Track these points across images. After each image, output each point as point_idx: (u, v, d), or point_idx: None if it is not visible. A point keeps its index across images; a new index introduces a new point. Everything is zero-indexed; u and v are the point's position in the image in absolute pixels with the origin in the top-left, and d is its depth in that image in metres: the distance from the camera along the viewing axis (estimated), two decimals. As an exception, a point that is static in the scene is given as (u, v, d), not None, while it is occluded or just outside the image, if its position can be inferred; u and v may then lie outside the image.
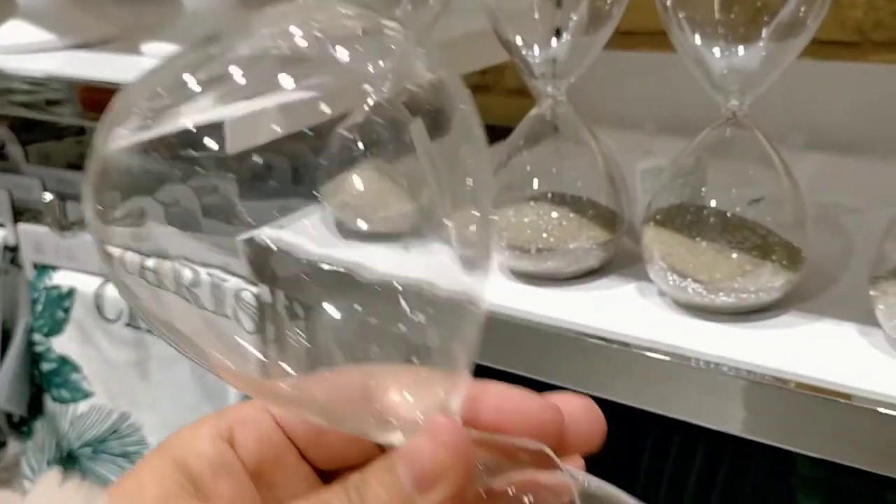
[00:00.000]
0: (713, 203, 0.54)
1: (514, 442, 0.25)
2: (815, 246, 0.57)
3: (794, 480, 0.63)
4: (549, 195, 0.60)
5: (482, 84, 1.13)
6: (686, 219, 0.54)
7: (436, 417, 0.24)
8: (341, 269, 0.27)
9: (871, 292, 0.50)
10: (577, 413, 0.27)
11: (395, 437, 0.25)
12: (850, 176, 0.74)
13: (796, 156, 0.71)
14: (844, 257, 0.60)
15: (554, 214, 0.59)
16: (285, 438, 0.27)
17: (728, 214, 0.54)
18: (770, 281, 0.52)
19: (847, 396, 0.47)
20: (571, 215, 0.59)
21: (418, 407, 0.24)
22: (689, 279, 0.53)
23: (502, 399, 0.26)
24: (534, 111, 0.60)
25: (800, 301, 0.54)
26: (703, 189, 0.54)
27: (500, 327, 0.57)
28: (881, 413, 0.46)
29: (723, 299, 0.53)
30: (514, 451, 0.25)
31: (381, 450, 0.26)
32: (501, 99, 1.11)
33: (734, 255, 0.53)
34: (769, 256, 0.53)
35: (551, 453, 0.25)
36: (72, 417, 0.86)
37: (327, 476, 0.27)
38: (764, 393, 0.49)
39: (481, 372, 0.28)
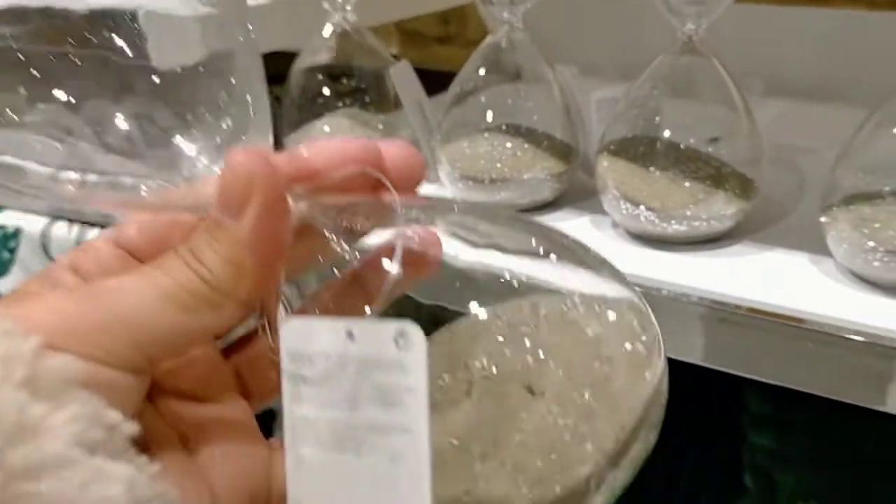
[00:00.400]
0: (667, 133, 0.53)
1: (336, 176, 0.26)
2: (770, 181, 0.56)
3: (744, 418, 0.63)
4: (504, 126, 0.59)
5: (446, 35, 1.12)
6: (640, 149, 0.54)
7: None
8: None
9: (823, 219, 0.49)
10: (395, 152, 0.27)
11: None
12: (809, 120, 0.74)
13: (757, 101, 0.71)
14: (798, 192, 0.60)
15: (508, 145, 0.58)
16: (127, 256, 0.27)
17: (681, 145, 0.53)
18: (722, 209, 0.52)
19: (800, 321, 0.47)
20: (526, 146, 0.58)
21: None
22: (642, 207, 0.52)
23: (319, 147, 0.26)
24: (489, 39, 0.59)
25: (752, 231, 0.54)
26: (658, 118, 0.54)
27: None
28: (832, 336, 0.46)
29: (675, 227, 0.52)
30: (341, 188, 0.26)
31: None
32: (465, 50, 1.10)
33: (687, 184, 0.52)
34: (722, 185, 0.52)
35: (377, 173, 0.26)
36: (18, 361, 0.84)
37: None
38: (717, 319, 0.49)
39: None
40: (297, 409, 0.24)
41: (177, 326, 0.23)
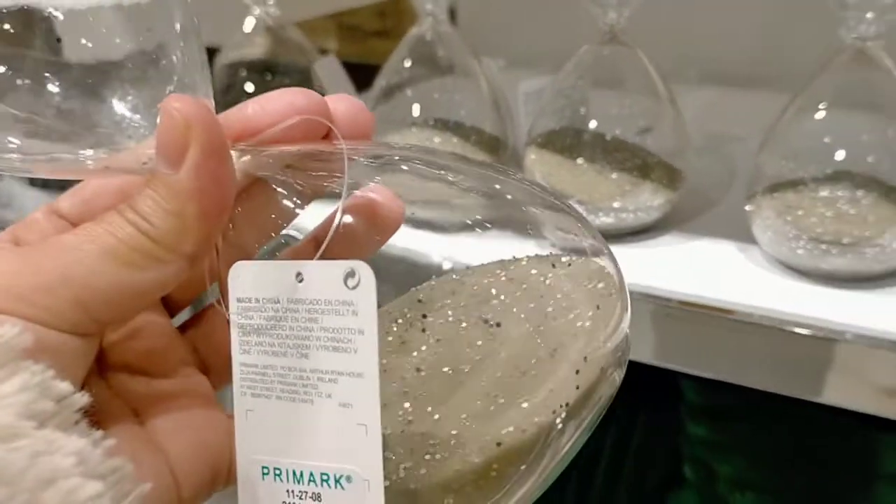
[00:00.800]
0: (593, 124, 0.53)
1: (281, 127, 0.24)
2: (700, 170, 0.56)
3: (682, 410, 0.63)
4: (432, 121, 0.58)
5: (383, 29, 1.10)
6: (566, 141, 0.53)
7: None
8: None
9: (747, 208, 0.49)
10: (343, 106, 0.26)
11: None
12: (741, 107, 0.74)
13: (689, 89, 0.71)
14: (726, 182, 0.60)
15: (437, 140, 0.57)
16: (67, 224, 0.26)
17: (607, 136, 0.53)
18: (649, 200, 0.52)
19: (729, 311, 0.47)
20: (454, 140, 0.57)
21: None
22: (570, 200, 0.52)
23: (266, 101, 0.25)
24: (413, 31, 0.58)
25: (680, 222, 0.54)
26: (583, 110, 0.53)
27: (383, 261, 0.55)
28: (760, 325, 0.45)
29: (602, 220, 0.52)
30: (287, 140, 0.25)
31: None
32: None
33: (614, 175, 0.52)
34: (648, 176, 0.52)
35: (322, 119, 0.25)
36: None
37: None
38: (647, 313, 0.49)
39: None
40: (246, 358, 0.24)
41: (120, 284, 0.22)
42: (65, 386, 0.20)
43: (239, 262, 0.24)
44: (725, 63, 0.76)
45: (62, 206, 0.26)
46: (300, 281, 0.23)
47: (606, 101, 0.53)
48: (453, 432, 0.23)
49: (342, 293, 0.22)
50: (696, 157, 0.58)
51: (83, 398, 0.21)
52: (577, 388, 0.23)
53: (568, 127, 0.53)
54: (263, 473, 0.24)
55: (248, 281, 0.23)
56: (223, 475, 0.25)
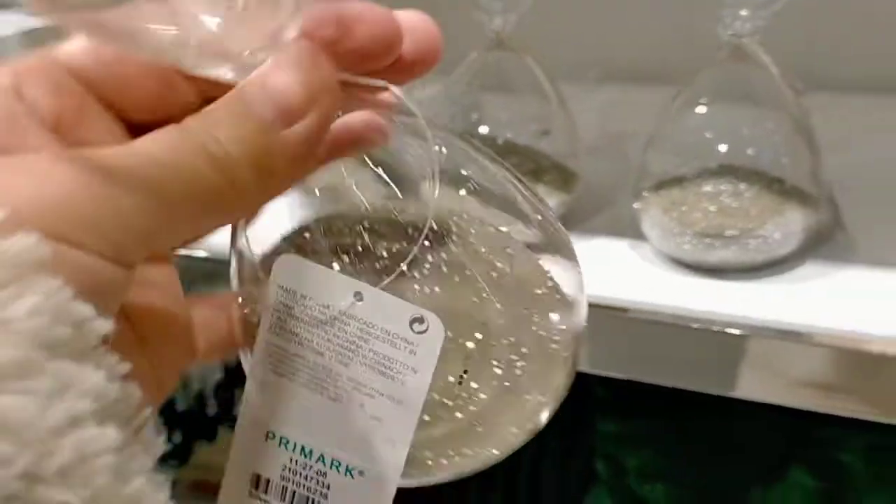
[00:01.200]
0: (484, 129, 0.53)
1: (358, 80, 0.23)
2: (596, 171, 0.57)
3: (591, 404, 0.63)
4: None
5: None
6: (461, 147, 0.53)
7: (288, 42, 0.21)
8: None
9: (636, 206, 0.50)
10: (415, 25, 0.24)
11: (222, 71, 0.21)
12: (638, 106, 0.75)
13: (587, 90, 0.72)
14: (622, 181, 0.60)
15: (331, 151, 0.57)
16: (81, 88, 0.23)
17: (499, 141, 0.53)
18: (543, 202, 0.52)
19: (623, 310, 0.47)
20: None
21: (248, 38, 0.21)
22: (464, 206, 0.52)
23: (352, 21, 0.22)
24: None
25: (576, 223, 0.54)
26: (475, 115, 0.53)
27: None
28: (653, 322, 0.46)
29: (498, 224, 0.52)
30: (357, 90, 0.23)
31: (200, 105, 0.22)
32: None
33: (507, 179, 0.52)
34: (542, 178, 0.52)
35: (397, 91, 0.24)
36: None
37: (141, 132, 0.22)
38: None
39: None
40: (277, 339, 0.22)
41: (181, 223, 0.20)
42: (85, 309, 0.17)
43: (288, 256, 0.22)
44: (621, 63, 0.77)
45: (75, 61, 0.23)
46: (359, 300, 0.21)
47: (497, 106, 0.53)
48: (466, 453, 0.23)
49: (404, 331, 0.21)
50: (594, 158, 0.58)
51: (107, 324, 0.17)
52: (545, 419, 0.24)
53: (461, 133, 0.53)
54: (268, 437, 0.23)
55: (298, 278, 0.22)
56: (192, 356, 0.24)
